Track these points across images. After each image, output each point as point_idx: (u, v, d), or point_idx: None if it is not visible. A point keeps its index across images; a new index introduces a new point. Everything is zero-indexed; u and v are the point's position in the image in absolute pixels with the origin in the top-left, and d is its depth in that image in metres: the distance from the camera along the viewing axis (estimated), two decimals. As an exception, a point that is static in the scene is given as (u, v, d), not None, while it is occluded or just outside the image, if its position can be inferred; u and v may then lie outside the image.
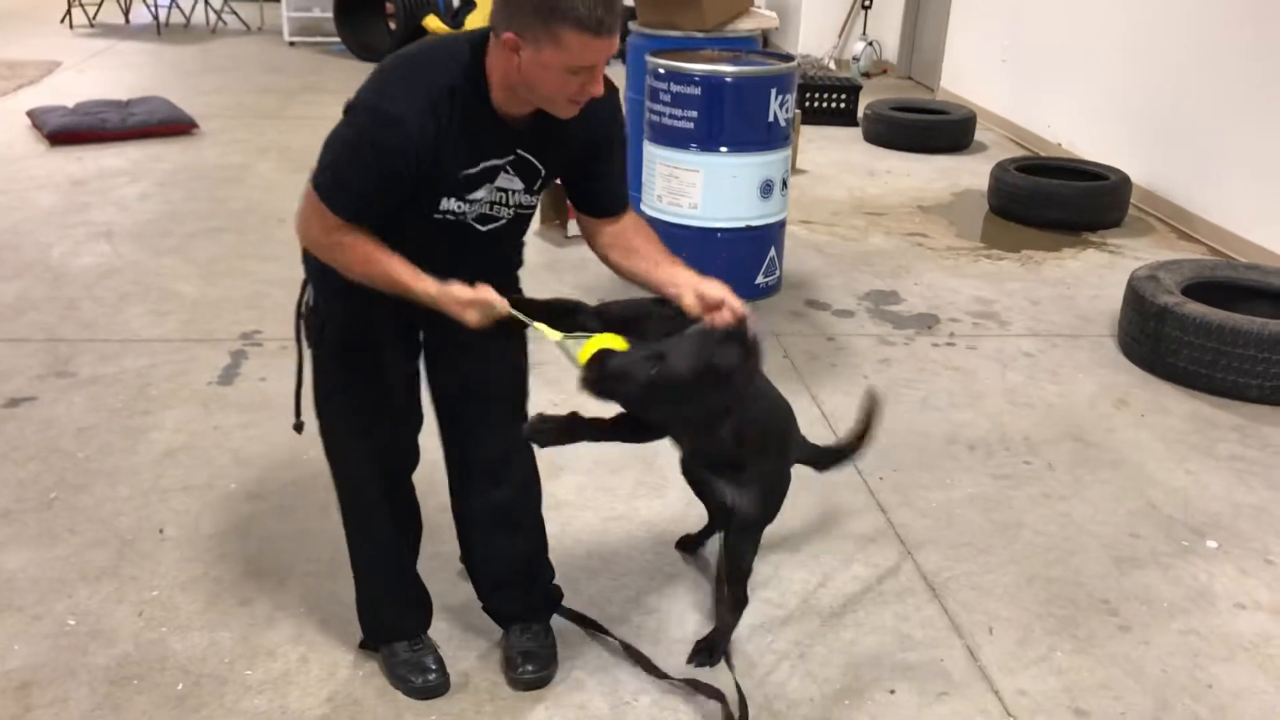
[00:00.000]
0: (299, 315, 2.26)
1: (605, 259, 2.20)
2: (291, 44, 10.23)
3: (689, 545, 2.87)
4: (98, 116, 6.75)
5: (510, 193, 2.08)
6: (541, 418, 2.09)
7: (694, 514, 2.86)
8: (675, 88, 4.38)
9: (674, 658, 2.47)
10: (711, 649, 2.45)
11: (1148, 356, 4.01)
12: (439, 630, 2.49)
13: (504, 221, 2.11)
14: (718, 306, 1.96)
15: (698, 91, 4.34)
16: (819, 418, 3.58)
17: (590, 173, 2.17)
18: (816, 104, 7.68)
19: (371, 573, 2.42)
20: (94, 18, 10.87)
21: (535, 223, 2.36)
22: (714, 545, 2.71)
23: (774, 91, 4.37)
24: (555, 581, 2.55)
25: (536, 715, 2.32)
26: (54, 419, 3.44)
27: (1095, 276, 5.01)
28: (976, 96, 7.99)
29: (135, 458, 3.24)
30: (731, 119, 4.36)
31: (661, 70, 4.42)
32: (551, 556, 2.53)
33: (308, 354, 2.27)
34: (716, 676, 2.41)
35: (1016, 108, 7.56)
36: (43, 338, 4.01)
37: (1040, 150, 7.04)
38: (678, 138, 4.42)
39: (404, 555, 2.41)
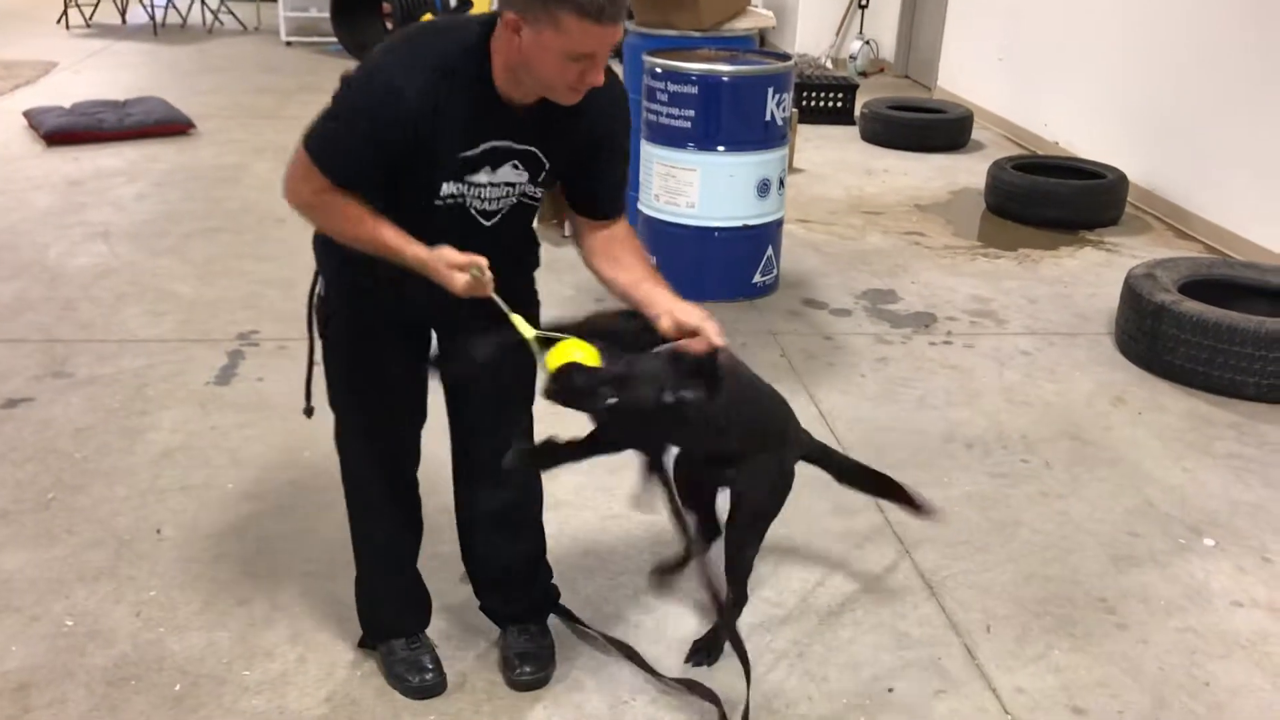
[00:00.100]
0: (311, 303, 2.25)
1: (589, 264, 2.18)
2: (288, 44, 10.22)
3: (667, 573, 2.66)
4: (94, 117, 6.75)
5: (515, 185, 2.05)
6: (519, 451, 2.16)
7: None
8: (672, 87, 4.38)
9: (672, 657, 2.47)
10: (710, 648, 2.45)
11: (1145, 354, 4.02)
12: (438, 630, 2.49)
13: (507, 212, 2.08)
14: (692, 334, 1.95)
15: (695, 91, 4.34)
16: (816, 416, 3.58)
17: (591, 171, 2.15)
18: (813, 103, 7.68)
19: (372, 568, 2.42)
20: (90, 18, 10.85)
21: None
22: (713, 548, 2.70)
23: (771, 90, 4.37)
24: (553, 581, 2.55)
25: (535, 715, 2.32)
26: (51, 419, 3.44)
27: (1092, 275, 5.01)
28: (973, 95, 7.99)
29: (133, 458, 3.23)
30: (728, 118, 4.36)
31: (658, 69, 4.42)
32: (550, 556, 2.53)
33: (318, 342, 2.26)
34: (713, 676, 2.41)
35: (1013, 106, 7.56)
36: (40, 338, 4.01)
37: (1037, 149, 7.04)
38: (675, 137, 4.42)
39: (404, 552, 2.42)
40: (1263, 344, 3.72)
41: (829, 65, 9.13)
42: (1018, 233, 5.58)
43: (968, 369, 4.03)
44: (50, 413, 3.48)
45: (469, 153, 1.98)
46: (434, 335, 2.24)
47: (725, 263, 4.55)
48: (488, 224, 2.08)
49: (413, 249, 1.95)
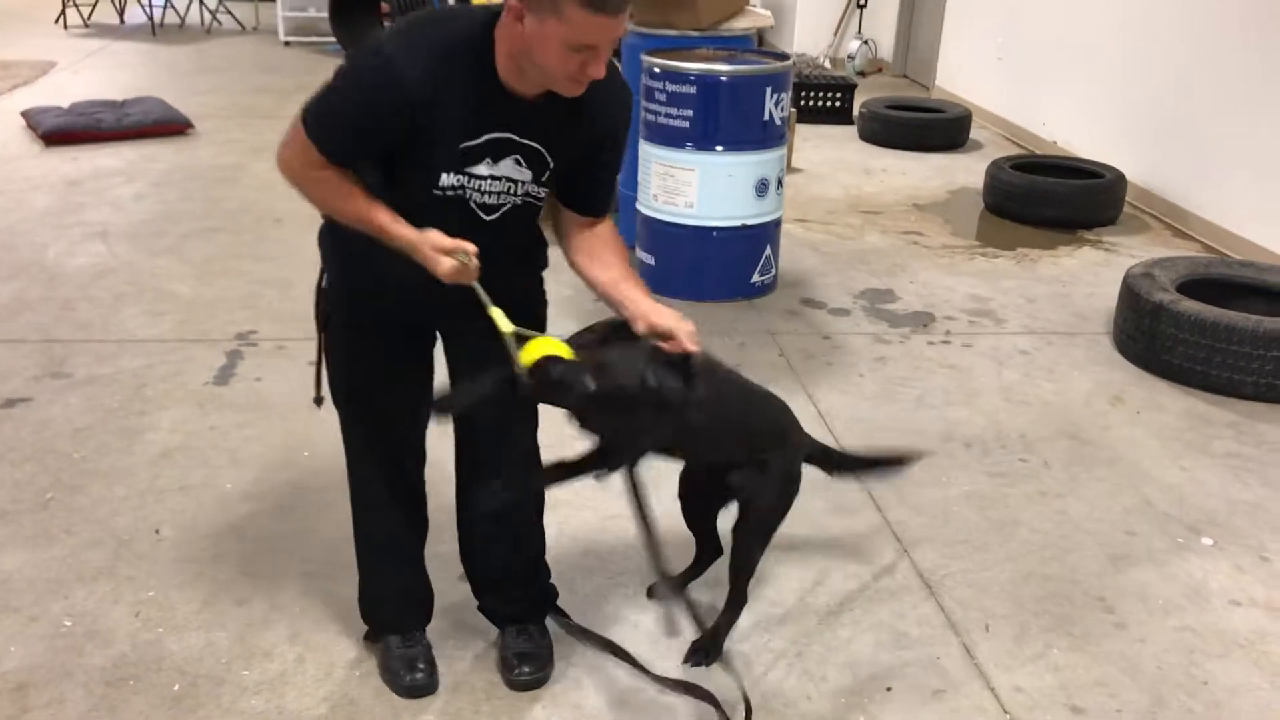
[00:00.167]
0: (318, 296, 2.25)
1: (571, 260, 2.18)
2: (287, 44, 10.22)
3: (681, 584, 2.60)
4: (93, 117, 6.75)
5: (518, 184, 2.05)
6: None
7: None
8: (671, 87, 4.38)
9: (671, 657, 2.47)
10: (708, 649, 2.45)
11: (1143, 354, 4.02)
12: (437, 629, 2.49)
13: (510, 210, 2.07)
14: (668, 338, 1.96)
15: (693, 90, 4.34)
16: (815, 416, 3.58)
17: (589, 169, 2.14)
18: (812, 103, 7.68)
19: (371, 565, 2.42)
20: (88, 18, 10.85)
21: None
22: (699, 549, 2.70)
23: (769, 90, 4.37)
24: (551, 581, 2.55)
25: (534, 715, 2.32)
26: (50, 420, 3.44)
27: (1091, 274, 5.02)
28: (972, 95, 8.00)
29: (131, 458, 3.23)
30: (727, 118, 4.36)
31: (657, 69, 4.42)
32: (549, 556, 2.53)
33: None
34: (711, 676, 2.41)
35: (1012, 106, 7.56)
36: (38, 338, 4.01)
37: (1035, 148, 7.04)
38: (673, 137, 4.42)
39: (404, 551, 2.41)
40: (1261, 343, 3.72)
41: (827, 65, 9.13)
42: (1016, 232, 5.58)
43: (966, 368, 4.03)
44: (49, 413, 3.48)
45: (470, 143, 1.97)
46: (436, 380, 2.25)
47: (724, 262, 4.55)
48: (488, 219, 2.06)
49: (401, 229, 1.95)
